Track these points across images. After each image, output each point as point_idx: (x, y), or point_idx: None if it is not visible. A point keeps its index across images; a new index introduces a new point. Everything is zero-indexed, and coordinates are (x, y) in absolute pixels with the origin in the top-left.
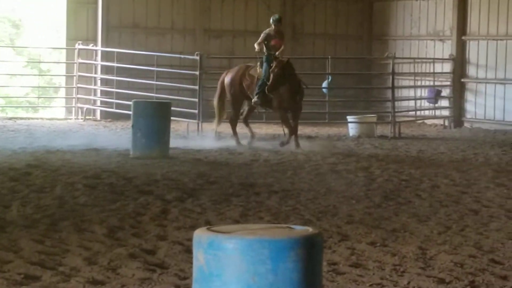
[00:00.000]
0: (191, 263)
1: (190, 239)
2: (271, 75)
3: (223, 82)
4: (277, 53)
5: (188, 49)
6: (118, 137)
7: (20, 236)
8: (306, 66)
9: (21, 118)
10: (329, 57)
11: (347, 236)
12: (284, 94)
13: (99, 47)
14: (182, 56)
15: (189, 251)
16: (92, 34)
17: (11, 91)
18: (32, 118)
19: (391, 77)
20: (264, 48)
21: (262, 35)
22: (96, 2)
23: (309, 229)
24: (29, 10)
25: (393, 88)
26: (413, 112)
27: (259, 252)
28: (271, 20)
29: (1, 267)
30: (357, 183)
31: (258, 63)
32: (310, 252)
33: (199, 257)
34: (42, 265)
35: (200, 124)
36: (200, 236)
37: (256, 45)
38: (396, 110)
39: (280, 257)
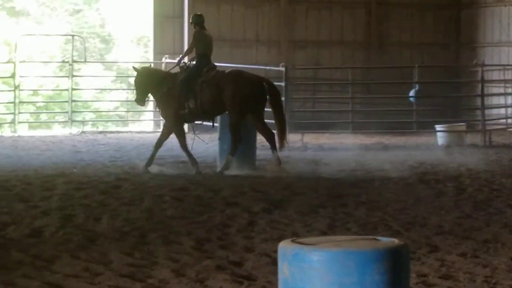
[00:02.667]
0: None
1: (277, 251)
2: None
3: None
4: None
5: (273, 61)
6: (205, 149)
7: (110, 249)
8: (392, 75)
9: (111, 132)
10: (416, 65)
11: (436, 247)
12: None
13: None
14: (267, 67)
15: (276, 263)
16: (178, 47)
17: (101, 105)
18: (121, 132)
19: (480, 85)
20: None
21: None
22: (182, 16)
23: (395, 241)
24: (117, 26)
25: (482, 96)
26: (504, 120)
27: (344, 264)
28: None
29: (92, 279)
30: (446, 193)
31: None
32: (396, 264)
33: (284, 269)
34: (132, 277)
35: (286, 135)
36: (285, 248)
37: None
38: (486, 118)
39: (366, 269)
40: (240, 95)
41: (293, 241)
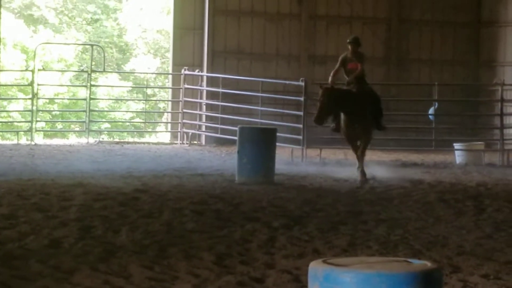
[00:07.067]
0: None
1: (298, 268)
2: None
3: None
4: (349, 77)
5: (292, 75)
6: (223, 162)
7: (130, 262)
8: (411, 92)
9: (128, 143)
10: (436, 83)
11: (458, 268)
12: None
13: (204, 73)
14: (287, 82)
15: (297, 280)
16: (197, 59)
17: (117, 115)
18: (138, 143)
19: (499, 104)
20: (344, 74)
21: (339, 60)
22: (202, 28)
23: (428, 264)
24: (135, 36)
25: (501, 115)
26: None
27: (376, 286)
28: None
29: None
30: (466, 212)
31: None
32: (428, 287)
33: None
34: None
35: (304, 150)
36: (316, 268)
37: (330, 77)
38: (504, 137)
39: None
40: None
41: (324, 261)
